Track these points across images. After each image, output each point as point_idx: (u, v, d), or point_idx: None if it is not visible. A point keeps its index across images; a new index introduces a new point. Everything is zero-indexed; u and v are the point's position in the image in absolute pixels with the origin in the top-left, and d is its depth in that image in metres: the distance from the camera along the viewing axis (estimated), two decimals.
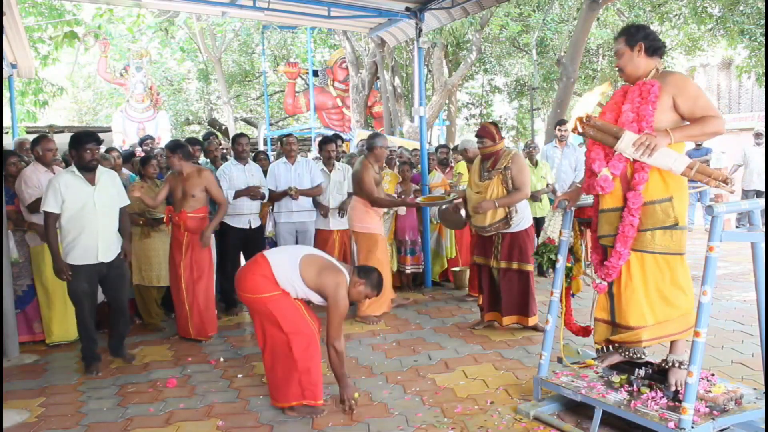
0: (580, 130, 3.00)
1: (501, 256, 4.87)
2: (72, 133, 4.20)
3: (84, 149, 4.13)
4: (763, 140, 9.47)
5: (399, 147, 9.42)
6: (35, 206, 4.76)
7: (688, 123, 2.94)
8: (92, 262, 4.23)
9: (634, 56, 3.02)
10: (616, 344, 3.20)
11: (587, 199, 3.46)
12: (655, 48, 3.02)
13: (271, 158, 7.72)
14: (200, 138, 7.51)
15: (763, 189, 9.05)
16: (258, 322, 3.54)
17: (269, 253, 3.58)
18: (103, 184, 4.29)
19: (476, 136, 4.89)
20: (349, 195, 6.25)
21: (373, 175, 5.40)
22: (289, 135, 6.30)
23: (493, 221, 4.74)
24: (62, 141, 5.80)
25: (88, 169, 4.19)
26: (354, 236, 5.70)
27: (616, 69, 3.17)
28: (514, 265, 4.86)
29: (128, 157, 6.60)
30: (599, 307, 3.18)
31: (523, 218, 4.89)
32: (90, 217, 4.19)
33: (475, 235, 5.12)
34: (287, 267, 3.45)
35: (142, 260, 5.32)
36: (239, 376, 4.17)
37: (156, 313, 5.49)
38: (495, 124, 5.02)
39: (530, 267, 4.85)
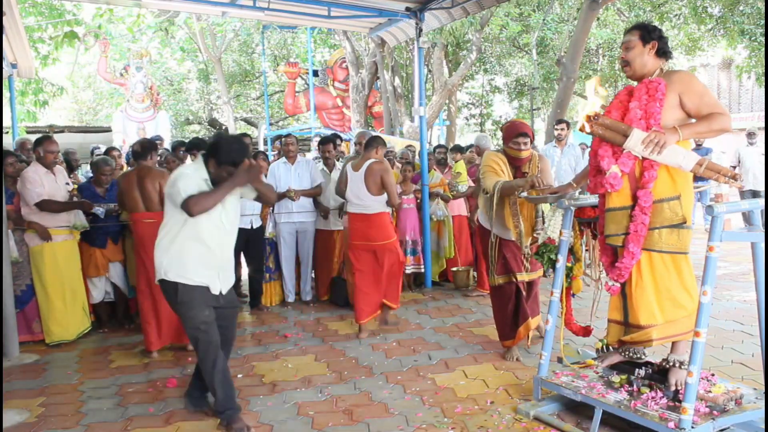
0: (588, 129, 3.00)
1: (532, 267, 4.29)
2: (227, 143, 3.25)
3: (226, 170, 3.22)
4: (755, 140, 9.50)
5: (408, 146, 9.47)
6: (44, 206, 4.78)
7: (694, 120, 2.94)
8: (213, 289, 3.31)
9: (645, 52, 3.01)
10: (624, 345, 3.19)
11: (587, 199, 3.46)
12: (665, 51, 3.03)
13: (271, 158, 7.70)
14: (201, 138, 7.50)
15: (758, 189, 9.07)
16: (379, 259, 5.02)
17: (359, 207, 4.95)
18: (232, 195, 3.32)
19: (521, 134, 4.07)
20: None
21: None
22: (288, 135, 6.30)
23: (533, 238, 4.13)
24: (62, 141, 5.81)
25: (214, 183, 3.26)
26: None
27: (622, 62, 3.11)
28: (537, 274, 4.38)
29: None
30: (612, 307, 3.18)
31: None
32: (216, 234, 3.28)
33: (506, 251, 4.26)
34: (369, 200, 4.93)
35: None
36: (239, 376, 4.17)
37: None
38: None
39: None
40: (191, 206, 3.08)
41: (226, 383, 3.28)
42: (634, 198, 2.98)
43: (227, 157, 3.19)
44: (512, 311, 4.32)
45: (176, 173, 3.28)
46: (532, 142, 4.22)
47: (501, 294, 4.35)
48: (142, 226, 4.67)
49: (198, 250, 3.23)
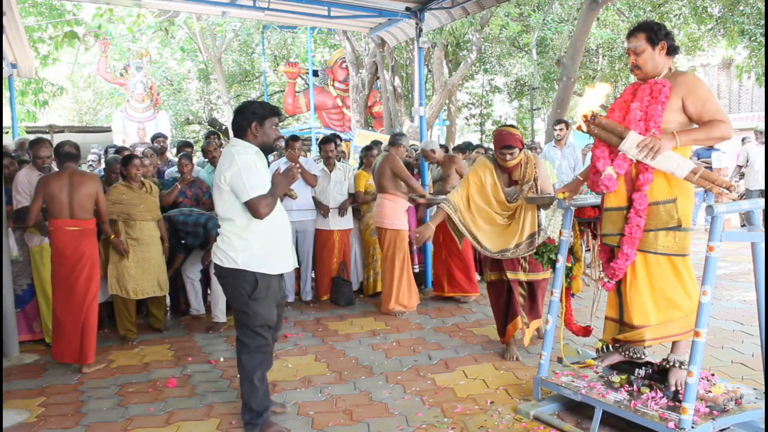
0: (585, 129, 2.99)
1: (530, 268, 4.27)
2: (255, 101, 3.30)
3: (272, 123, 3.22)
4: (762, 138, 9.49)
5: (411, 145, 9.47)
6: (18, 214, 4.72)
7: (695, 125, 2.93)
8: (290, 269, 3.38)
9: (656, 54, 2.95)
10: (618, 344, 3.20)
11: (587, 199, 3.47)
12: (674, 48, 2.98)
13: (271, 158, 7.67)
14: (201, 138, 7.52)
15: None
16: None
17: None
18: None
19: (504, 147, 4.02)
20: (350, 195, 6.26)
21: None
22: (297, 140, 6.25)
23: (520, 241, 4.04)
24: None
25: (269, 151, 3.31)
26: (383, 233, 5.78)
27: (632, 66, 3.03)
28: (540, 276, 4.34)
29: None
30: (609, 305, 3.19)
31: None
32: (280, 211, 3.32)
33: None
34: None
35: (120, 269, 4.95)
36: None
37: (128, 328, 5.03)
38: (514, 126, 4.30)
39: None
40: (261, 208, 3.05)
41: (266, 382, 3.27)
42: (630, 199, 2.98)
43: (263, 111, 3.17)
44: (504, 308, 4.36)
45: (235, 163, 3.05)
46: (521, 150, 4.10)
47: (493, 290, 4.44)
48: (65, 234, 4.32)
49: (271, 234, 3.20)
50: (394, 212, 5.68)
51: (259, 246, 3.14)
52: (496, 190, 4.13)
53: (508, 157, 4.04)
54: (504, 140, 4.04)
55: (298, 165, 3.34)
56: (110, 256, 4.94)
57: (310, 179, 6.03)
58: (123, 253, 4.88)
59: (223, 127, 20.81)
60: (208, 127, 21.52)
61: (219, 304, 5.31)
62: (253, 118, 3.15)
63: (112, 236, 4.82)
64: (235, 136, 3.23)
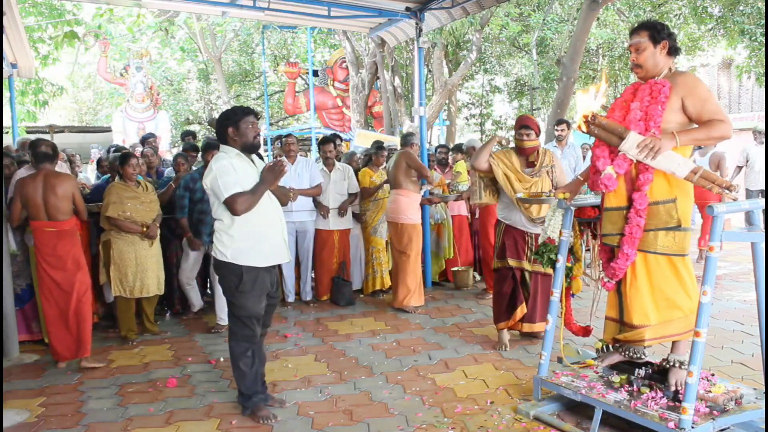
0: (585, 129, 2.99)
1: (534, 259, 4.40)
2: (228, 109, 3.49)
3: (246, 123, 3.39)
4: (763, 138, 9.45)
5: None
6: (9, 206, 4.70)
7: (695, 125, 2.93)
8: (280, 262, 3.53)
9: (657, 53, 2.97)
10: (618, 344, 3.20)
11: (587, 199, 3.47)
12: (675, 48, 2.99)
13: (271, 158, 7.69)
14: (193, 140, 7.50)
15: None
16: None
17: None
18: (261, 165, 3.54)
19: (522, 126, 4.46)
20: (350, 195, 6.26)
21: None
22: (289, 135, 6.29)
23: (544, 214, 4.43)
24: (62, 141, 5.81)
25: (251, 150, 3.46)
26: (399, 228, 5.79)
27: (633, 64, 3.05)
28: (542, 268, 4.44)
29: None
30: (609, 305, 3.19)
31: None
32: (268, 206, 3.44)
33: (506, 237, 4.55)
34: None
35: (123, 270, 4.96)
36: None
37: (129, 328, 5.06)
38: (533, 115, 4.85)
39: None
40: (237, 206, 3.24)
41: (254, 368, 3.46)
42: (630, 199, 2.98)
43: (235, 116, 3.38)
44: (509, 294, 4.51)
45: (212, 169, 3.31)
46: (537, 135, 4.45)
47: (498, 277, 4.62)
48: (43, 235, 4.37)
49: (256, 230, 3.38)
50: (408, 207, 5.76)
51: (244, 241, 3.35)
52: (515, 169, 4.47)
53: (525, 137, 4.44)
54: (522, 121, 4.51)
55: (284, 161, 3.54)
56: (111, 258, 4.94)
57: (315, 191, 6.04)
58: (152, 236, 5.03)
59: None
60: (208, 127, 21.54)
61: (225, 307, 5.23)
62: (227, 123, 3.39)
63: (144, 230, 4.95)
64: (221, 143, 3.48)
